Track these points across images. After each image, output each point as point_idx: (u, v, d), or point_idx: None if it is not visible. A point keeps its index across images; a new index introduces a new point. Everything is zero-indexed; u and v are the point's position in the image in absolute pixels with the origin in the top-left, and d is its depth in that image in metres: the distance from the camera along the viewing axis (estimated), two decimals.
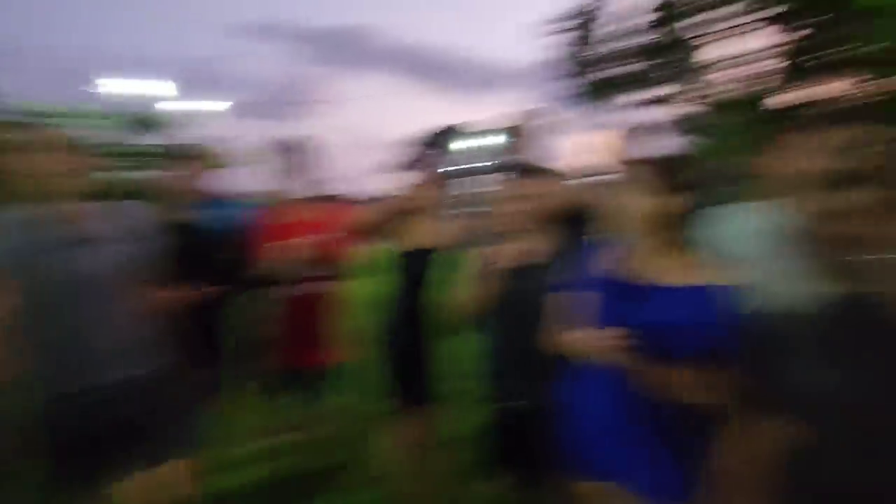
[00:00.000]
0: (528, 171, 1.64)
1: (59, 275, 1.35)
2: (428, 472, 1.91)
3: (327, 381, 2.15)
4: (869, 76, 9.75)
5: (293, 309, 2.03)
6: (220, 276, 2.01)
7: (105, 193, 1.49)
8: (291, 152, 2.07)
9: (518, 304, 1.52)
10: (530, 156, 2.01)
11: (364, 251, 2.15)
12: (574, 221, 1.62)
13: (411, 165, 1.92)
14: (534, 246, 1.56)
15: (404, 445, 1.97)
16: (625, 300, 1.16)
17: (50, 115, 11.08)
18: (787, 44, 11.29)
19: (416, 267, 1.86)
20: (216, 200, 2.23)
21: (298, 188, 2.08)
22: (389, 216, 1.94)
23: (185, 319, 1.77)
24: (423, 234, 1.91)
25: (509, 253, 1.57)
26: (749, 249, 1.26)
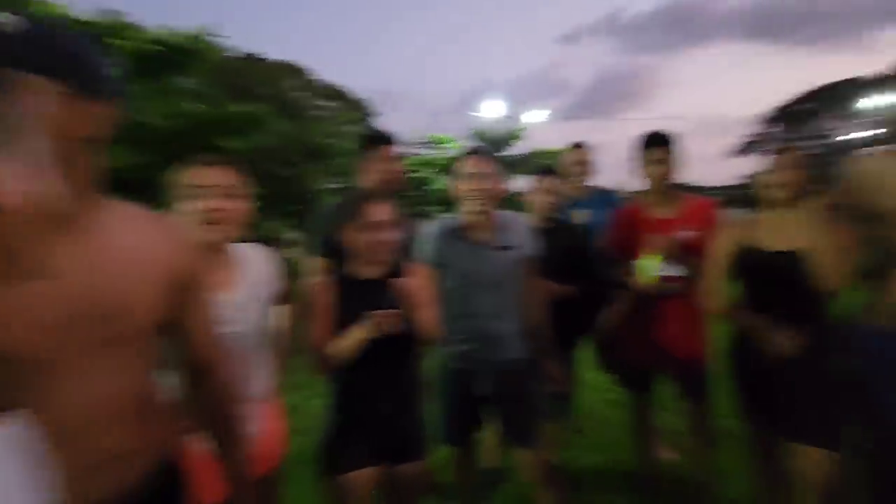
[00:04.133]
0: None
1: (470, 271, 1.77)
2: None
3: (690, 383, 2.11)
4: None
5: (652, 308, 2.10)
6: (593, 273, 2.24)
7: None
8: (648, 148, 2.12)
9: None
10: None
11: (726, 247, 1.82)
12: None
13: (760, 146, 7.86)
14: None
15: (765, 479, 1.87)
16: None
17: (446, 143, 15.45)
18: None
19: (765, 269, 1.70)
20: (589, 200, 2.65)
21: (659, 183, 2.11)
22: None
23: (558, 312, 2.01)
24: (782, 232, 1.69)
25: None
26: None
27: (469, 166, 1.79)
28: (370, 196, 1.52)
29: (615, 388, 2.63)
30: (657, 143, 2.12)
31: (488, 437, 2.50)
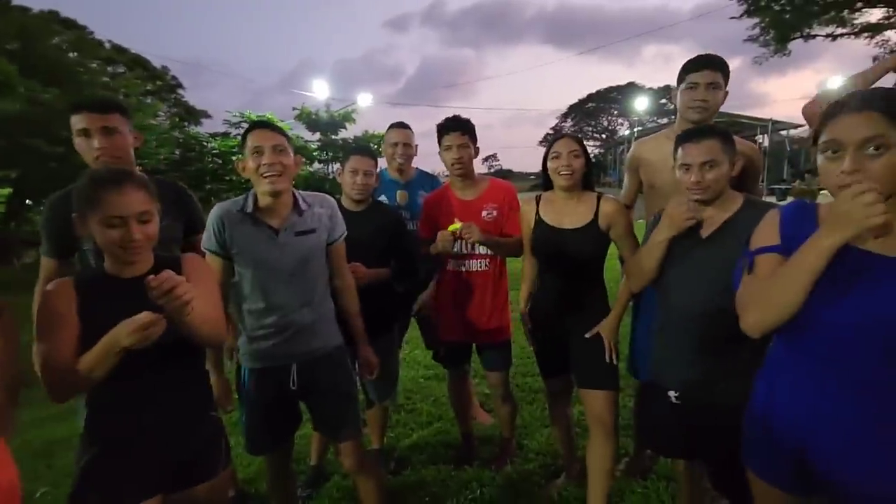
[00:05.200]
0: (706, 132, 1.47)
1: (266, 258, 1.57)
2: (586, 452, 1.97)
3: (496, 356, 2.26)
4: None
5: (458, 285, 2.21)
6: (409, 255, 2.20)
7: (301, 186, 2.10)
8: (459, 132, 2.13)
9: (694, 277, 1.49)
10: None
11: (526, 225, 2.02)
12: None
13: (558, 137, 1.97)
14: (714, 212, 1.50)
15: (559, 423, 2.18)
16: (851, 275, 0.96)
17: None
18: None
19: (559, 242, 1.90)
20: (411, 182, 2.64)
21: (458, 166, 2.14)
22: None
23: (376, 295, 1.99)
24: (559, 209, 1.95)
25: (686, 221, 1.48)
26: None
27: (256, 139, 1.58)
28: (109, 179, 1.20)
29: (437, 364, 2.73)
30: (454, 129, 2.15)
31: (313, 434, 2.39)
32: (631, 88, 46.51)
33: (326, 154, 15.96)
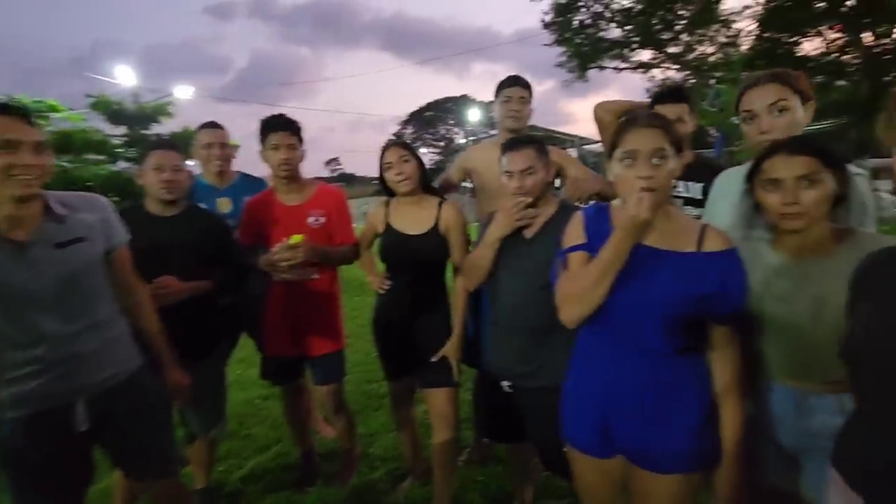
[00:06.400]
0: (524, 142, 1.64)
1: (13, 282, 1.24)
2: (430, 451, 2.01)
3: (326, 368, 2.13)
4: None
5: (287, 297, 2.04)
6: (232, 265, 1.96)
7: (70, 185, 2.51)
8: (280, 134, 1.98)
9: (520, 274, 1.61)
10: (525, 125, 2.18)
11: (370, 230, 2.03)
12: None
13: (390, 145, 1.96)
14: (535, 214, 1.62)
15: (405, 425, 2.19)
16: (637, 267, 1.13)
17: (53, 110, 10.40)
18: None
19: (405, 247, 1.91)
20: (232, 187, 2.38)
21: (282, 169, 1.99)
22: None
23: (177, 311, 1.70)
24: (405, 215, 1.95)
25: (512, 223, 1.61)
26: (730, 214, 1.34)
27: (6, 132, 1.24)
28: None
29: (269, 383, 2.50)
30: (281, 127, 2.00)
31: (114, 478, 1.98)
32: (465, 100, 50.11)
33: (135, 151, 13.72)
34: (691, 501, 1.24)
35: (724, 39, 16.68)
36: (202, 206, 2.29)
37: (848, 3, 12.61)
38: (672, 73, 17.37)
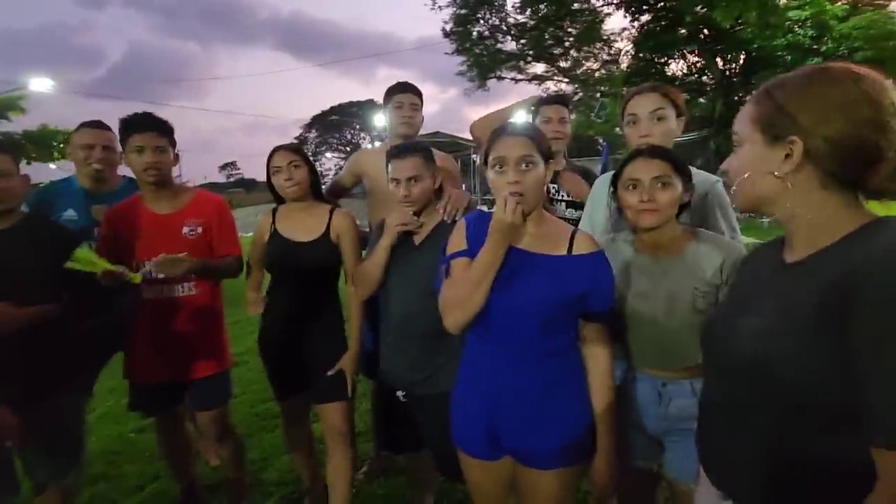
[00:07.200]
0: (411, 150, 1.63)
1: None
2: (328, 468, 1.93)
3: (207, 392, 1.92)
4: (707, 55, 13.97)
5: (158, 316, 1.84)
6: (80, 284, 1.63)
7: None
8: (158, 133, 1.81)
9: (410, 281, 1.61)
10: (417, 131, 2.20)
11: (259, 237, 1.92)
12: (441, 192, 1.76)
13: (278, 149, 1.87)
14: (422, 222, 1.64)
15: (298, 445, 2.08)
16: (513, 270, 1.18)
17: None
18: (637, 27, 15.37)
19: (292, 255, 1.84)
20: (115, 193, 2.12)
21: (148, 174, 1.79)
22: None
23: (15, 342, 1.49)
24: (294, 221, 1.89)
25: (400, 229, 1.60)
26: (602, 216, 1.60)
27: None
28: None
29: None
30: (147, 127, 1.80)
31: None
32: (370, 105, 49.55)
33: None
34: (574, 492, 1.31)
35: (606, 57, 18.34)
36: (71, 212, 2.03)
37: (704, 31, 14.57)
38: (563, 87, 18.75)
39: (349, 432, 1.91)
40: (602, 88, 17.63)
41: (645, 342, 1.28)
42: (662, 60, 16.09)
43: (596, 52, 18.24)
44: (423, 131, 2.33)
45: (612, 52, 18.02)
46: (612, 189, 1.36)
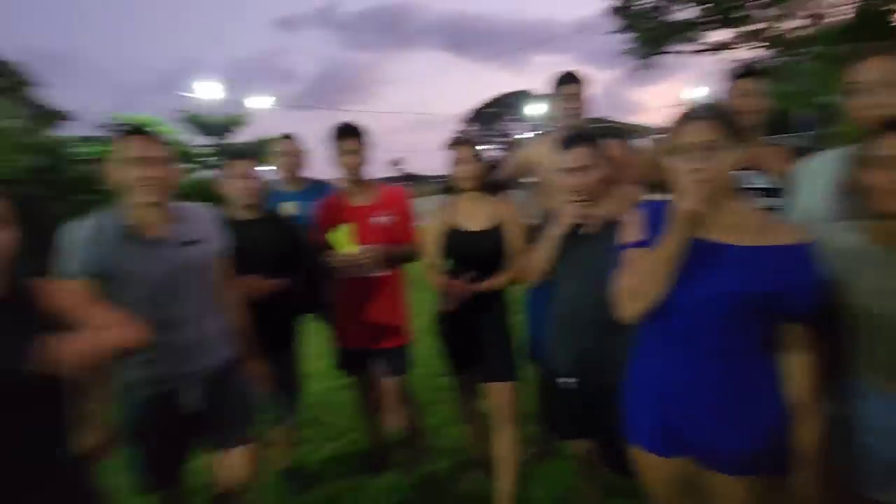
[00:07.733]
0: (586, 137, 1.63)
1: (149, 274, 1.48)
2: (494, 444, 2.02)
3: (392, 361, 2.24)
4: None
5: (357, 292, 2.17)
6: (306, 265, 2.10)
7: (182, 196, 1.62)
8: (353, 137, 2.12)
9: (580, 271, 1.62)
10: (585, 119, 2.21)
11: (435, 229, 2.08)
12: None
13: (458, 142, 2.00)
14: (595, 211, 1.62)
15: (470, 418, 2.26)
16: (699, 262, 1.10)
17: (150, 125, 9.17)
18: None
19: (468, 244, 1.99)
20: (302, 192, 2.59)
21: (353, 172, 2.15)
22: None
23: (261, 308, 1.86)
24: (467, 212, 2.01)
25: (570, 220, 1.62)
26: (818, 202, 1.26)
27: (135, 149, 1.50)
28: None
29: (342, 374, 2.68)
30: (349, 135, 2.16)
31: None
32: (527, 95, 49.31)
33: (217, 160, 14.92)
34: None
35: (811, 11, 15.13)
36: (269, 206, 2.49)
37: None
38: (756, 52, 16.02)
39: (513, 412, 2.01)
40: (804, 50, 14.63)
41: (882, 351, 1.10)
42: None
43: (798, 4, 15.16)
44: (584, 116, 2.35)
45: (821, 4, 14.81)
46: (841, 170, 1.18)
